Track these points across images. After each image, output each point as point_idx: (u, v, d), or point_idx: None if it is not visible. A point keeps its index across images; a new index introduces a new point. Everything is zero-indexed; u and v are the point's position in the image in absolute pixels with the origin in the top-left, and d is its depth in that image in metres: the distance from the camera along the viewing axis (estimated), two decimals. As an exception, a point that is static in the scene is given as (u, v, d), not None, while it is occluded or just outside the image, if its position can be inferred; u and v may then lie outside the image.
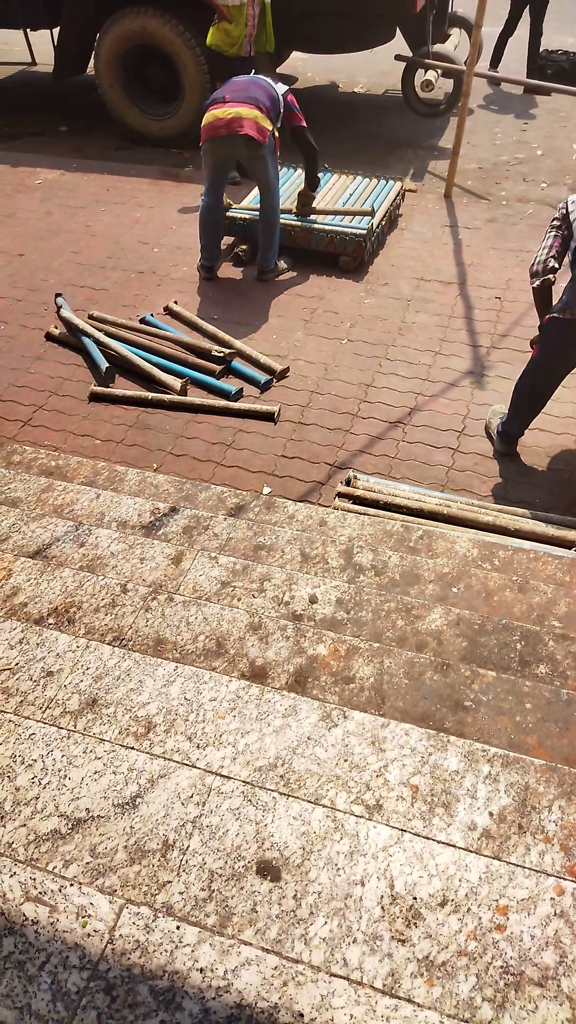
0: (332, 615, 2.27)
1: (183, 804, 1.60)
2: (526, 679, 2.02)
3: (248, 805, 1.60)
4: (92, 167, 6.74)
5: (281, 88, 4.36)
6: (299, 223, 4.93)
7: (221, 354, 4.12)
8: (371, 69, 8.90)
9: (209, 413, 3.86)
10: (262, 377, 4.03)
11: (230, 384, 4.01)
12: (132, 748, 1.73)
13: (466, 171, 6.54)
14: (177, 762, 1.69)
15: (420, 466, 3.51)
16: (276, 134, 4.30)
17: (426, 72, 6.77)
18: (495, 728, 1.86)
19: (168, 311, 4.66)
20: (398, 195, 5.48)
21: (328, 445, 3.65)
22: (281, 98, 4.31)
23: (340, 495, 3.21)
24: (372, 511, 3.07)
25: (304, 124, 4.49)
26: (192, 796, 1.62)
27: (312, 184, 4.87)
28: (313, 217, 5.01)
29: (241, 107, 4.13)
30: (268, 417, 3.81)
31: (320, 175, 5.62)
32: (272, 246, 4.82)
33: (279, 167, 4.59)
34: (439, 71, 6.76)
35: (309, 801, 1.60)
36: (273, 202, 4.60)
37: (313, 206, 4.98)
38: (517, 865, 1.49)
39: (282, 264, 4.99)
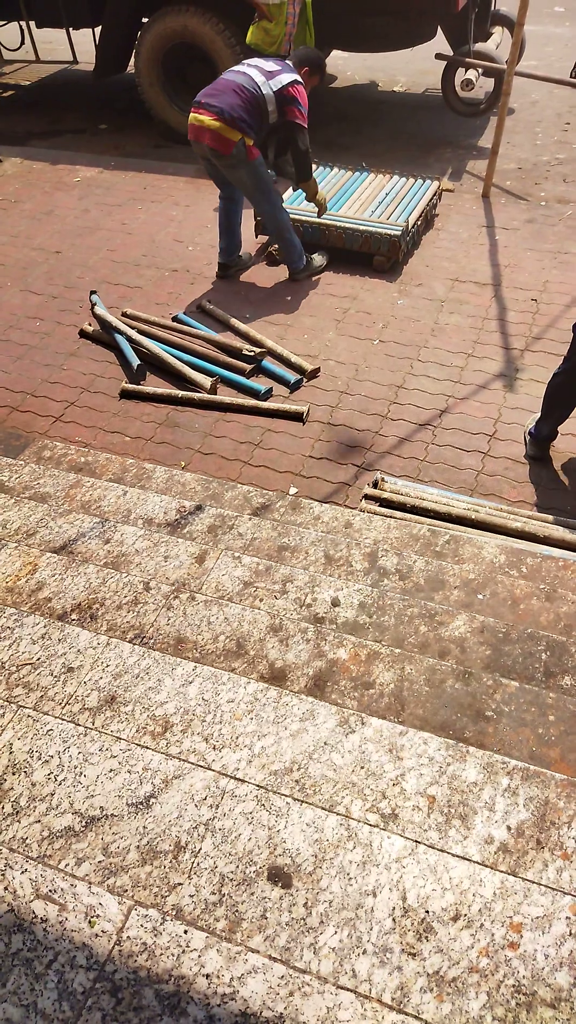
0: (354, 619, 2.25)
1: (196, 806, 1.59)
2: (550, 690, 1.98)
3: (262, 810, 1.58)
4: (130, 165, 6.78)
5: (279, 81, 4.08)
6: (333, 222, 4.90)
7: (252, 353, 4.11)
8: (411, 68, 8.83)
9: (238, 412, 3.86)
10: (292, 377, 4.01)
11: (260, 383, 3.99)
12: (148, 747, 1.73)
13: (505, 171, 6.45)
14: (192, 763, 1.68)
15: (449, 469, 3.46)
16: (248, 142, 4.11)
17: (467, 71, 6.69)
18: (516, 740, 1.82)
19: (201, 309, 4.66)
20: (435, 195, 5.42)
21: (356, 446, 3.62)
22: (273, 94, 4.07)
23: (367, 497, 3.19)
24: (399, 514, 3.04)
25: (301, 122, 4.17)
26: (206, 798, 1.61)
27: (297, 183, 4.62)
28: (348, 216, 4.97)
29: (204, 115, 4.05)
30: (297, 417, 3.79)
31: (357, 172, 5.59)
32: (290, 251, 4.74)
33: (260, 170, 4.30)
34: (480, 70, 6.68)
35: (323, 808, 1.58)
36: (266, 210, 4.50)
37: (319, 198, 4.69)
38: (533, 882, 1.45)
39: (316, 261, 4.94)
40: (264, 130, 4.24)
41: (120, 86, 8.50)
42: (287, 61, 4.25)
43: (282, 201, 4.65)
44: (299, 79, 4.16)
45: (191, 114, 4.19)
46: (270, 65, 4.17)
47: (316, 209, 4.96)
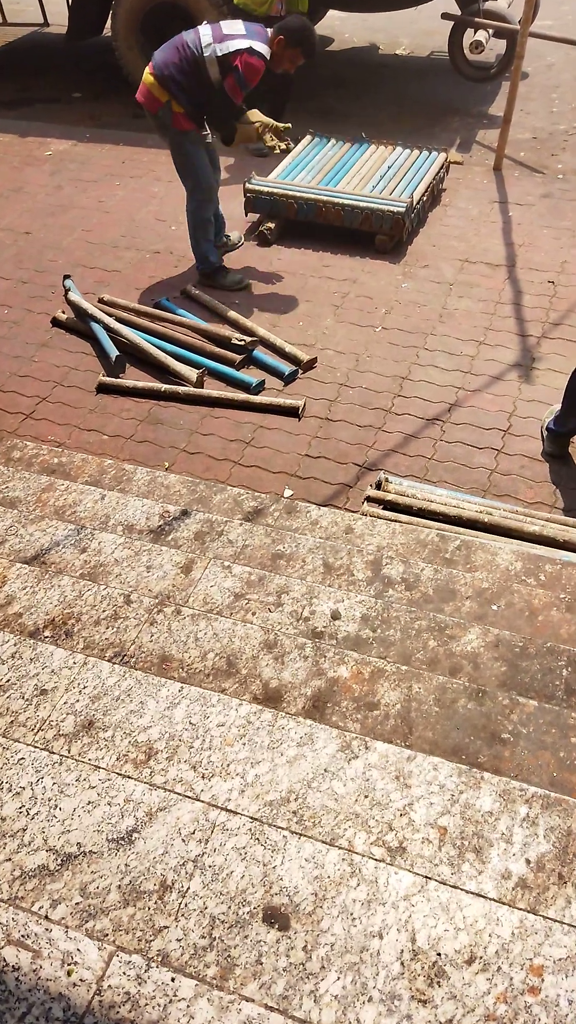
0: (356, 633, 2.25)
1: (184, 841, 1.59)
2: (572, 710, 1.98)
3: (256, 844, 1.58)
4: (107, 137, 6.80)
5: (227, 46, 3.85)
6: (330, 199, 4.92)
7: (242, 342, 4.12)
8: (415, 29, 8.88)
9: (227, 407, 3.87)
10: (286, 368, 4.03)
11: (251, 376, 4.00)
12: (130, 777, 1.73)
13: (518, 141, 6.48)
14: (179, 794, 1.68)
15: (460, 468, 3.47)
16: (176, 108, 3.99)
17: (476, 32, 6.73)
18: (536, 764, 1.82)
19: (185, 294, 4.68)
20: (442, 168, 5.45)
21: (357, 444, 3.63)
22: (216, 58, 3.87)
23: (369, 499, 3.19)
24: (404, 518, 3.05)
25: (232, 96, 3.97)
26: (194, 832, 1.61)
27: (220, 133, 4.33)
28: (346, 192, 4.99)
29: (148, 71, 4.02)
30: (292, 412, 3.80)
31: (356, 143, 5.61)
32: (195, 250, 4.64)
33: (187, 147, 4.18)
34: (490, 31, 6.72)
35: (324, 841, 1.59)
36: (187, 194, 4.40)
37: (256, 130, 4.18)
38: (555, 920, 1.46)
39: (228, 279, 4.68)
40: (203, 101, 4.03)
41: (96, 50, 8.53)
42: (267, 28, 4.03)
43: (210, 195, 4.45)
44: (258, 50, 3.85)
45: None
46: (232, 27, 3.93)
47: (311, 183, 4.98)
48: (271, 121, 4.18)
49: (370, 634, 2.25)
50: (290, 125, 4.32)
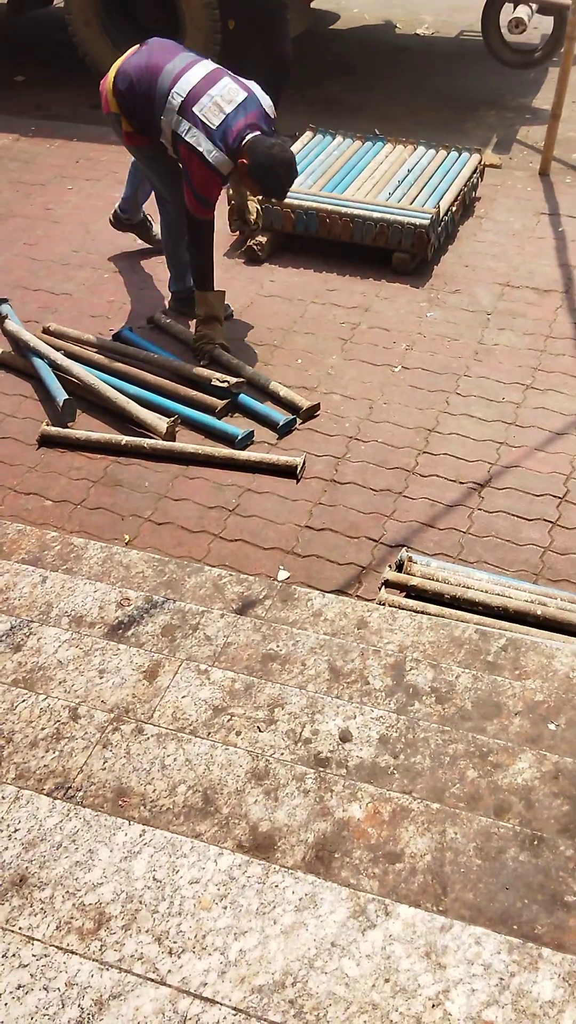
0: (372, 760, 2.23)
1: (145, 1040, 1.54)
2: None
3: (241, 1045, 1.53)
4: (57, 131, 7.01)
5: (186, 124, 3.92)
6: (336, 208, 5.05)
7: (224, 384, 4.17)
8: (440, 3, 9.27)
9: (206, 465, 3.89)
10: (281, 416, 4.07)
11: (236, 426, 4.04)
12: (74, 952, 1.69)
13: (571, 140, 6.71)
14: (139, 975, 1.64)
15: (503, 545, 3.48)
16: (125, 126, 4.24)
17: (516, 7, 7.01)
18: (610, 937, 1.79)
19: (153, 324, 4.75)
20: (475, 172, 5.62)
21: (372, 513, 3.65)
22: (171, 130, 4.00)
23: (388, 585, 3.19)
24: (433, 608, 3.04)
25: (199, 214, 4.17)
26: (158, 1028, 1.56)
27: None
28: (357, 200, 5.13)
29: (116, 69, 4.21)
30: (289, 472, 3.83)
31: (369, 141, 5.79)
32: (174, 267, 4.79)
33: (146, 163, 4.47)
34: (534, 6, 6.99)
35: (331, 1041, 1.54)
36: (159, 205, 4.62)
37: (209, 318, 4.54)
38: None
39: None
40: (155, 135, 4.17)
41: (44, 25, 8.87)
42: (251, 97, 4.02)
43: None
44: (212, 163, 3.93)
45: None
46: (220, 96, 3.93)
47: (312, 189, 5.13)
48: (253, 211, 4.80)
49: (390, 761, 2.22)
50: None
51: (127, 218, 5.24)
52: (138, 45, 4.24)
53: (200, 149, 3.91)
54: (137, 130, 4.24)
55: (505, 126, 7.11)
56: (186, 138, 3.93)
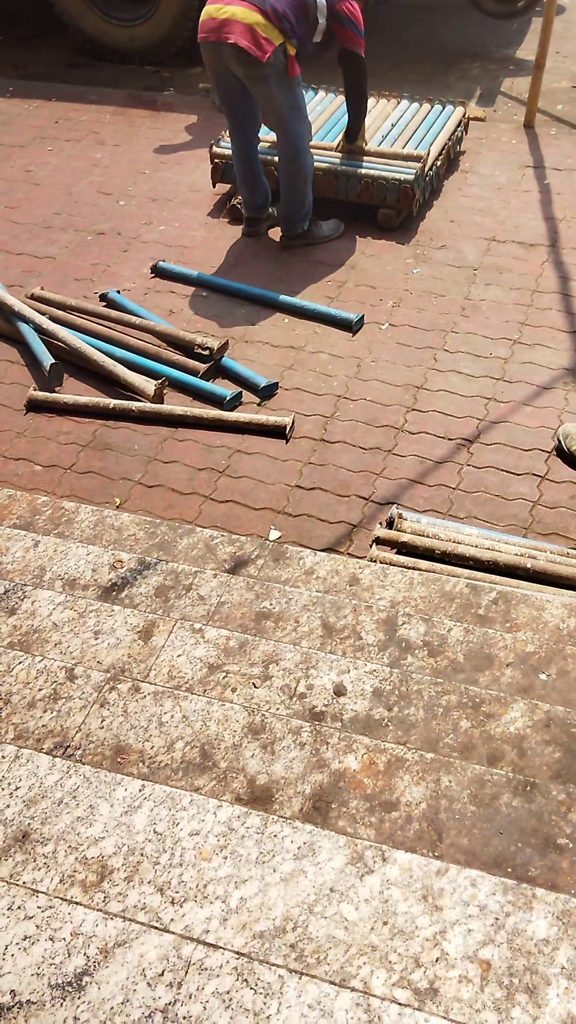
0: (367, 713, 2.25)
1: (150, 985, 1.58)
2: None
3: (244, 987, 1.57)
4: (35, 91, 6.93)
5: None
6: (320, 164, 5.01)
7: (207, 349, 4.16)
8: (421, -45, 9.14)
9: (195, 427, 3.89)
10: (263, 379, 4.06)
11: (224, 387, 4.04)
12: (79, 903, 1.71)
13: (555, 91, 6.66)
14: (142, 924, 1.67)
15: (493, 500, 3.50)
16: (291, 51, 4.35)
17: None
18: (602, 877, 1.82)
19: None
20: (459, 125, 5.58)
21: (362, 471, 3.66)
22: (325, 3, 4.36)
23: (379, 542, 3.21)
24: (424, 564, 3.06)
25: (359, 50, 4.55)
26: (163, 973, 1.59)
27: (350, 134, 5.04)
28: (338, 155, 5.10)
29: (238, 6, 4.22)
30: (278, 432, 3.84)
31: None
32: (299, 203, 4.90)
33: (298, 92, 4.61)
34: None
35: (332, 982, 1.57)
36: (291, 143, 4.68)
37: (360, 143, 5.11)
38: None
39: (326, 229, 5.08)
40: (308, 47, 4.47)
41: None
42: None
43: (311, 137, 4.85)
44: None
45: (211, 5, 4.31)
46: None
47: None
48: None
49: (385, 713, 2.25)
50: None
51: (263, 214, 5.14)
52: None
53: None
54: (297, 53, 4.39)
55: (489, 78, 7.05)
56: None
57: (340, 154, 5.09)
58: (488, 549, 3.12)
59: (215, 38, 4.26)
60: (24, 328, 4.32)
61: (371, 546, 3.22)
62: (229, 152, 5.16)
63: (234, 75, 4.40)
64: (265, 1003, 1.55)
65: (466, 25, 7.77)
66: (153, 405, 3.94)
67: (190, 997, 1.56)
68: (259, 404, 4.02)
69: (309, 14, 4.34)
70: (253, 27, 4.17)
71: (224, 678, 2.36)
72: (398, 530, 3.23)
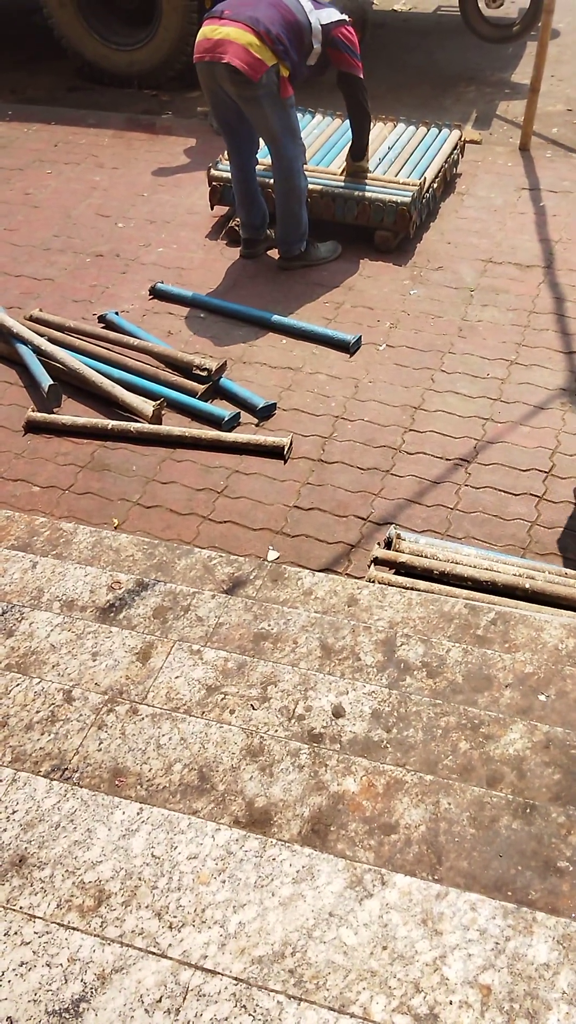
0: (365, 734, 2.24)
1: (148, 1011, 1.56)
2: None
3: (242, 1013, 1.55)
4: (34, 115, 6.97)
5: (326, 16, 4.46)
6: (318, 186, 5.04)
7: (205, 372, 4.17)
8: (417, -20, 9.22)
9: (193, 448, 3.90)
10: (261, 400, 4.07)
11: (222, 408, 4.05)
12: (76, 928, 1.70)
13: (550, 115, 6.71)
14: (140, 949, 1.66)
15: (491, 520, 3.50)
16: (284, 72, 4.39)
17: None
18: (603, 900, 1.81)
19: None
20: (455, 148, 5.62)
21: (360, 491, 3.66)
22: (320, 28, 4.43)
23: (377, 562, 3.21)
24: (423, 584, 3.06)
25: (357, 72, 4.62)
26: (161, 1000, 1.58)
27: (355, 152, 5.08)
28: (338, 177, 5.13)
29: (233, 27, 4.27)
30: (276, 453, 3.84)
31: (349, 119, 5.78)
32: (294, 224, 4.93)
33: (291, 113, 4.66)
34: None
35: (331, 1008, 1.56)
36: (285, 164, 4.72)
37: (364, 166, 5.17)
38: None
39: (323, 251, 5.10)
40: (302, 69, 4.52)
41: (18, 7, 8.79)
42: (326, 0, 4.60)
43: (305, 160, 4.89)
44: (347, 20, 4.53)
45: (207, 27, 4.37)
46: None
47: None
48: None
49: (383, 735, 2.24)
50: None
51: (261, 236, 5.18)
52: (213, 16, 4.41)
53: (342, 18, 4.51)
54: (290, 75, 4.45)
55: (484, 101, 7.10)
56: (334, 19, 4.47)
57: (341, 177, 5.13)
58: (486, 569, 3.12)
59: (210, 58, 4.32)
60: (23, 349, 4.34)
61: (369, 566, 3.22)
62: (227, 175, 5.19)
63: (228, 95, 4.45)
64: (264, 1030, 1.54)
65: (462, 49, 7.83)
66: (151, 426, 3.95)
67: (188, 1024, 1.55)
68: (257, 424, 4.03)
69: (304, 38, 4.40)
70: (247, 47, 4.22)
71: (222, 700, 2.35)
72: (396, 550, 3.23)
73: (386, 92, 7.13)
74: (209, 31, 4.33)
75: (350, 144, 5.09)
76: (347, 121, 5.75)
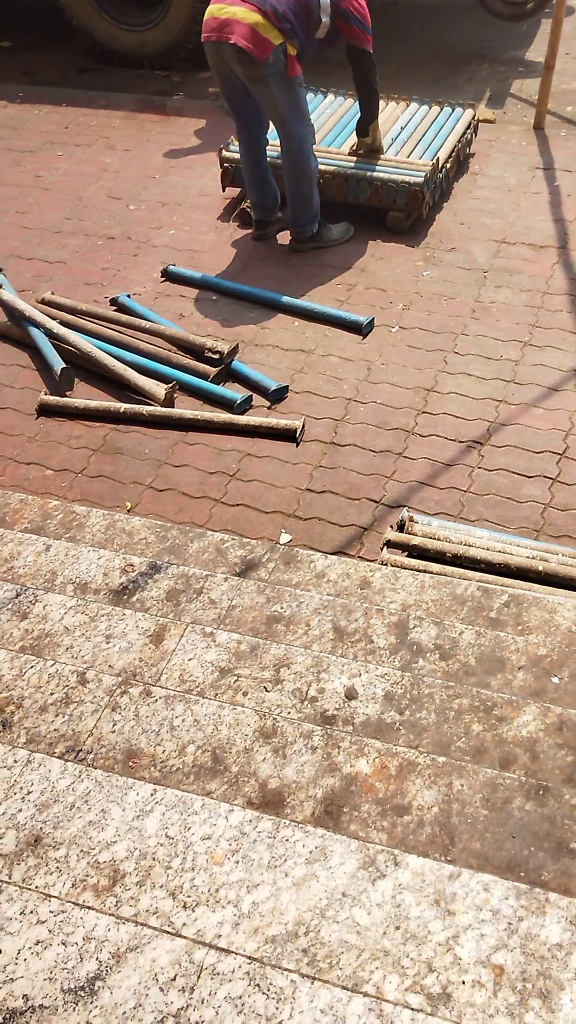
0: (378, 716, 2.25)
1: (162, 990, 1.57)
2: None
3: (256, 992, 1.57)
4: (45, 96, 6.94)
5: None
6: (330, 167, 5.02)
7: (217, 353, 4.16)
8: (430, -43, 9.14)
9: (205, 431, 3.90)
10: (273, 383, 4.06)
11: (234, 391, 4.04)
12: (91, 908, 1.72)
13: (564, 93, 6.65)
14: (154, 928, 1.67)
15: (504, 503, 3.50)
16: (291, 51, 4.37)
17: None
18: (616, 881, 1.82)
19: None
20: (469, 127, 5.58)
21: (372, 474, 3.66)
22: (328, 1, 4.38)
23: (390, 544, 3.21)
24: (436, 567, 3.06)
25: (367, 47, 4.56)
26: (175, 978, 1.59)
27: (361, 128, 5.04)
28: (350, 158, 5.10)
29: (239, 6, 4.24)
30: (288, 435, 3.84)
31: None
32: (304, 208, 4.91)
33: (299, 92, 4.63)
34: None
35: (344, 987, 1.57)
36: (293, 144, 4.69)
37: (377, 143, 5.12)
38: None
39: (335, 232, 5.09)
40: (310, 46, 4.50)
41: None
42: None
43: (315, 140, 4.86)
44: None
45: (214, 5, 4.34)
46: None
47: None
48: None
49: (396, 717, 2.25)
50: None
51: (272, 217, 5.16)
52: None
53: None
54: (298, 53, 4.42)
55: (498, 80, 7.04)
56: None
57: (353, 158, 5.10)
58: (499, 552, 3.12)
59: (216, 37, 4.30)
60: (35, 333, 4.33)
61: (382, 549, 3.22)
62: (238, 156, 5.16)
63: (236, 75, 4.43)
64: (277, 1008, 1.55)
65: (475, 27, 7.76)
66: (163, 409, 3.95)
67: (202, 1002, 1.56)
68: (269, 407, 4.02)
69: (311, 14, 4.36)
70: (253, 27, 4.20)
71: (235, 682, 2.36)
72: (409, 533, 3.23)
73: (398, 70, 7.07)
74: (216, 10, 4.31)
75: (359, 119, 5.04)
76: (356, 100, 5.76)
